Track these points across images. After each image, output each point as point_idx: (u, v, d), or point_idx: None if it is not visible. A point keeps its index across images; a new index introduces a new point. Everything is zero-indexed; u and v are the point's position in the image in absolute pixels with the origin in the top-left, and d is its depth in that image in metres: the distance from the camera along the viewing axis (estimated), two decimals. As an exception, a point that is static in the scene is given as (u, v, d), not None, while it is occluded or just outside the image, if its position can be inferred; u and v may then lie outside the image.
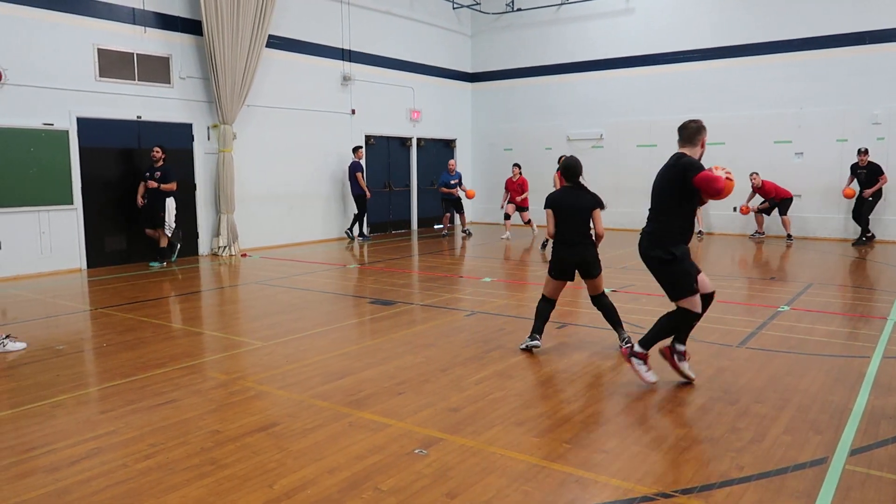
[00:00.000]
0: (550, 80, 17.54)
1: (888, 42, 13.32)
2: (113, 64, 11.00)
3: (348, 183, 14.61)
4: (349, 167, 14.55)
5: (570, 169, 5.76)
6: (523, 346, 5.81)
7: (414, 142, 17.28)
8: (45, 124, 10.16)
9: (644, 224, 4.89)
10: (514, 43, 18.12)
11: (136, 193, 11.07)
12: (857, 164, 12.97)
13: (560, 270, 5.75)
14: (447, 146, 18.56)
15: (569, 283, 5.86)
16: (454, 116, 18.59)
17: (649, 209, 4.88)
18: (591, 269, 5.69)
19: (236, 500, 3.22)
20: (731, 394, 4.69)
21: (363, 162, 14.70)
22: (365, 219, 15.04)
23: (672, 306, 4.80)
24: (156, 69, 11.61)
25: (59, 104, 10.31)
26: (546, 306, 5.84)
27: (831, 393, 4.68)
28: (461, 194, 15.52)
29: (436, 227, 17.54)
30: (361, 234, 14.98)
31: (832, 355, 5.64)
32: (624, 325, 5.78)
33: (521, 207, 14.81)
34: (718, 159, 15.42)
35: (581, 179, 5.76)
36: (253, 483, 3.40)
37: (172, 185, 11.04)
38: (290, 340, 6.29)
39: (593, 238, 5.72)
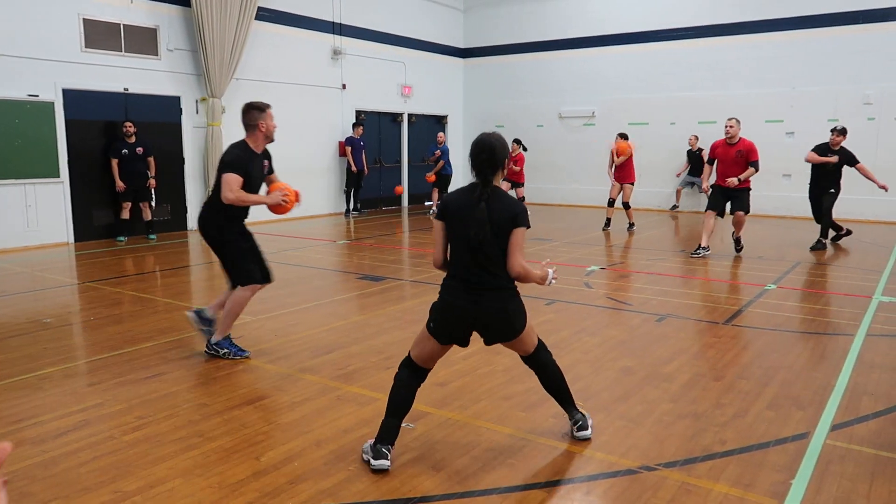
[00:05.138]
0: (542, 57, 17.40)
1: (881, 21, 13.29)
2: (99, 35, 10.81)
3: (349, 158, 14.60)
4: (345, 142, 14.65)
5: (485, 151, 3.13)
6: (368, 458, 3.30)
7: (405, 117, 17.15)
8: (30, 95, 10.00)
9: None
10: (506, 19, 17.93)
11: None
12: (826, 144, 10.30)
13: (445, 329, 3.25)
14: (438, 122, 18.43)
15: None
16: (446, 92, 18.43)
17: None
18: (499, 333, 3.28)
19: (223, 472, 3.24)
20: (717, 370, 4.73)
21: (361, 139, 14.73)
22: (354, 194, 15.08)
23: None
24: (143, 41, 11.42)
25: (45, 75, 10.14)
26: (409, 383, 3.35)
27: (815, 370, 4.73)
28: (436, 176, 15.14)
29: (426, 203, 17.39)
30: (356, 208, 15.07)
31: (817, 333, 5.70)
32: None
33: (517, 183, 14.41)
34: (713, 137, 15.45)
35: (502, 174, 3.20)
36: (240, 455, 3.42)
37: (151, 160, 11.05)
38: (278, 315, 6.29)
39: (514, 280, 3.22)
